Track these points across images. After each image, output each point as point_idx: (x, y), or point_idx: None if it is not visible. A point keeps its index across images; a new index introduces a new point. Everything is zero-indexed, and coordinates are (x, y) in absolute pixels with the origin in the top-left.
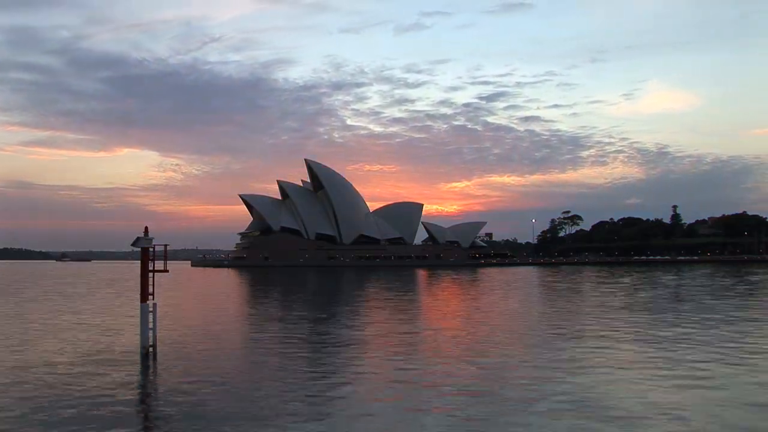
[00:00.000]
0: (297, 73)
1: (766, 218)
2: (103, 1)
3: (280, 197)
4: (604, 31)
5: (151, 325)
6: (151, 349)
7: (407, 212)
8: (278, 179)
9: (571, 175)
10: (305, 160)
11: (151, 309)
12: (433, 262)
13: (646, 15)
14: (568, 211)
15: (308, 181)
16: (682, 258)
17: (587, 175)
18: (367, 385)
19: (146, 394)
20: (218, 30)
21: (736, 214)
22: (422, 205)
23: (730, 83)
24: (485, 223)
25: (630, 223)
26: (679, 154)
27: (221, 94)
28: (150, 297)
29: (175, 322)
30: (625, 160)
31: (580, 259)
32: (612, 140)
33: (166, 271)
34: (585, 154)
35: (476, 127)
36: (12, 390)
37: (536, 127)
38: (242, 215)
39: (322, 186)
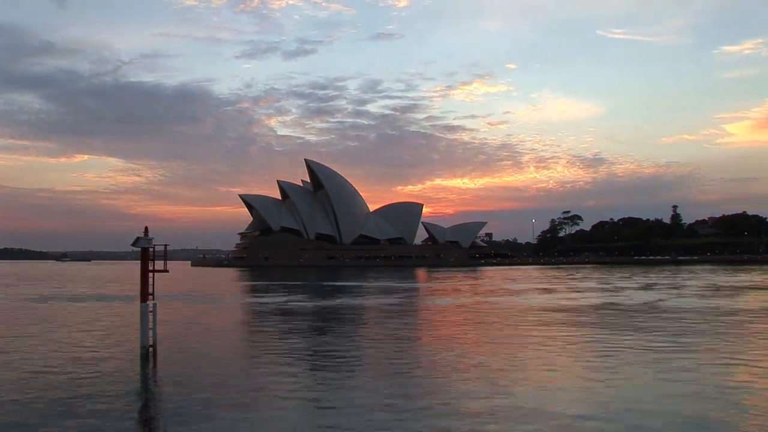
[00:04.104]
0: (216, 90)
1: (766, 218)
2: (14, 28)
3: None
4: (483, 50)
5: (151, 325)
6: (151, 349)
7: (407, 212)
8: (278, 179)
9: (519, 179)
10: (305, 160)
11: (151, 309)
12: (433, 262)
13: (504, 36)
14: (568, 211)
15: (308, 180)
16: (682, 258)
17: (536, 179)
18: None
19: (145, 393)
20: (126, 55)
21: (736, 214)
22: (422, 205)
23: (625, 95)
24: (485, 223)
25: (630, 223)
26: (615, 160)
27: (155, 108)
28: (150, 297)
29: (174, 322)
30: (567, 165)
31: (580, 259)
32: (546, 146)
33: (166, 271)
34: (524, 159)
35: (404, 135)
36: (11, 390)
37: (464, 136)
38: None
39: (322, 186)
